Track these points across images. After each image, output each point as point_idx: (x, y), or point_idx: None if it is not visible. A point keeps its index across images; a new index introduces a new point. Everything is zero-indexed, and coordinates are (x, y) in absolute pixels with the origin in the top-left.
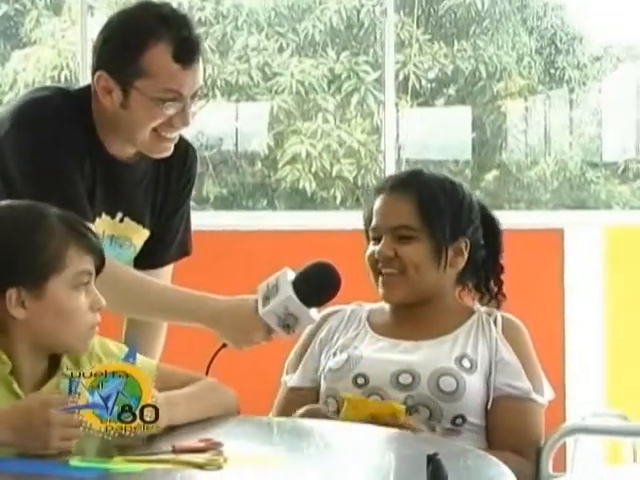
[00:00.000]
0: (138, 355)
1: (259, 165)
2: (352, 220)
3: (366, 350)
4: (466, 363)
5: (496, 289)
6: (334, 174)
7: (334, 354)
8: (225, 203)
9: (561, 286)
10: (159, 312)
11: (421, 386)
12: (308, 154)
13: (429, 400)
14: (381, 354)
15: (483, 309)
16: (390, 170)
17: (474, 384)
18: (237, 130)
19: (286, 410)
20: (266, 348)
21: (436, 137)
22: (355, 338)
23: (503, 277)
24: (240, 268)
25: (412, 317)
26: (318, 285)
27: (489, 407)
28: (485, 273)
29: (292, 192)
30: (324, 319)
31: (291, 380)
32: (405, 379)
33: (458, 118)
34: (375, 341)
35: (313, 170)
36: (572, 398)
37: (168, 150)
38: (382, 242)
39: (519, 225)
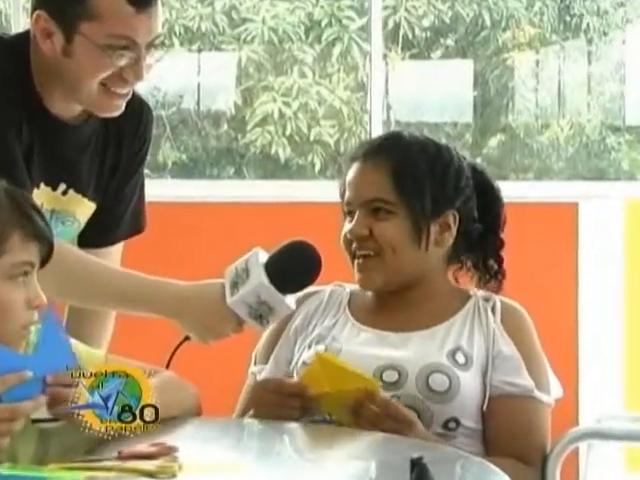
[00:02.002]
0: (75, 342)
1: (225, 127)
2: (333, 191)
3: (346, 343)
4: (460, 358)
5: (496, 267)
6: (312, 138)
7: (309, 345)
8: (185, 170)
9: (575, 268)
10: (108, 300)
11: (408, 384)
12: (282, 114)
13: (417, 401)
14: (363, 348)
15: (480, 293)
16: (377, 133)
17: (469, 382)
18: (199, 86)
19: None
20: (233, 336)
21: (431, 95)
22: (334, 327)
23: (503, 253)
24: (204, 247)
25: (399, 304)
26: (295, 268)
27: (485, 408)
28: (483, 250)
29: (263, 158)
30: (300, 302)
31: (261, 373)
32: (390, 376)
33: (457, 73)
34: (357, 332)
35: (287, 133)
36: (586, 398)
37: (119, 108)
38: (355, 219)
39: (527, 198)
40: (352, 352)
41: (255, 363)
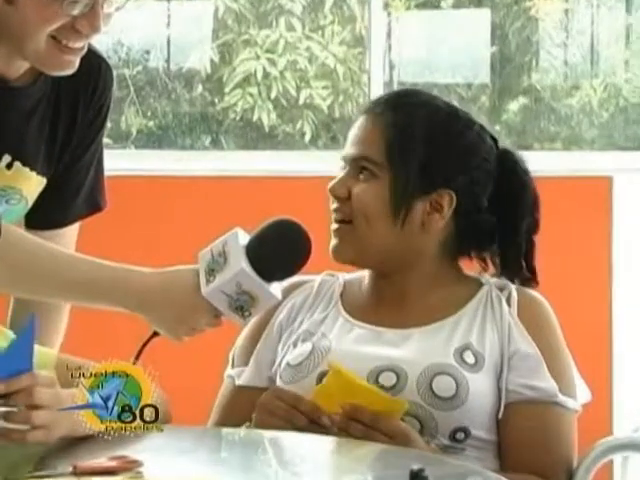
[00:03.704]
0: (36, 347)
1: (199, 88)
2: (325, 163)
3: (337, 340)
4: (469, 357)
5: (527, 274)
6: (302, 101)
7: (295, 344)
8: (153, 140)
9: (608, 251)
10: (63, 291)
11: (408, 389)
12: (266, 74)
13: (419, 408)
14: (356, 346)
15: (493, 281)
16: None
17: (480, 386)
18: (169, 40)
19: (232, 416)
20: (208, 333)
21: (442, 52)
22: (323, 322)
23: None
24: (174, 228)
25: (397, 295)
26: (280, 252)
27: (500, 416)
28: (503, 249)
29: (244, 125)
30: (285, 294)
31: (240, 377)
32: (387, 379)
33: (472, 26)
34: (350, 328)
35: (273, 96)
36: (621, 403)
37: (72, 65)
38: (338, 176)
39: (554, 171)
40: (344, 351)
41: (233, 364)
